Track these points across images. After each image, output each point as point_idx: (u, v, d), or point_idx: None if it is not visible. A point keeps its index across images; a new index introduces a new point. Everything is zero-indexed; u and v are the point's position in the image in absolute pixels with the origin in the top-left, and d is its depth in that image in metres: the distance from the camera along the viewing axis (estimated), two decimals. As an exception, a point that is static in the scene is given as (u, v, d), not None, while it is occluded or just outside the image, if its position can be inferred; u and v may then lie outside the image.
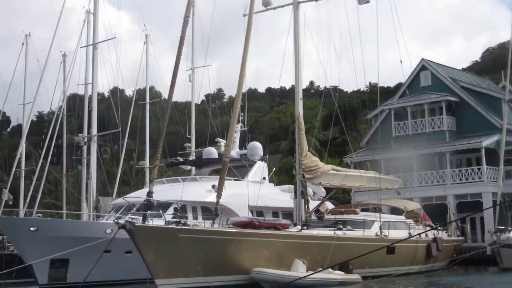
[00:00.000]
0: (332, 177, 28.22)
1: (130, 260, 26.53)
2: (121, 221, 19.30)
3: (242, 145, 35.62)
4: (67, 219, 30.42)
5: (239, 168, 32.94)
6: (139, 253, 19.73)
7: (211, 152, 34.57)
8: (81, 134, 39.54)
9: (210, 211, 28.94)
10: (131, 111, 41.50)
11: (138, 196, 24.80)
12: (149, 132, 44.17)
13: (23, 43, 45.19)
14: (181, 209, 27.67)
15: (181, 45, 21.67)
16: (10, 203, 48.70)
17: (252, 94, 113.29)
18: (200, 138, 50.09)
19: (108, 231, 25.89)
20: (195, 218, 29.05)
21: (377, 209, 33.80)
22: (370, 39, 31.64)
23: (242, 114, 35.21)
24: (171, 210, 27.18)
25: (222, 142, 34.03)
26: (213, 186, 29.79)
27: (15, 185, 51.32)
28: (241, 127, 35.30)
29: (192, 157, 39.91)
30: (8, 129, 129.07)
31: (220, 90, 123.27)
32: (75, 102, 47.95)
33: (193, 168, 39.40)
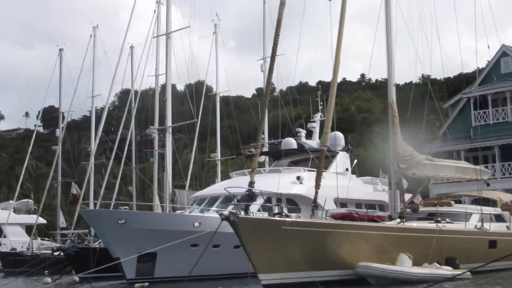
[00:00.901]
0: (426, 167, 26.85)
1: (217, 254, 25.79)
2: (225, 213, 18.40)
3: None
4: (156, 212, 29.78)
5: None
6: (243, 246, 18.85)
7: (290, 142, 33.57)
8: (152, 126, 39.02)
9: (294, 203, 28.22)
10: (201, 103, 40.42)
11: (236, 186, 23.55)
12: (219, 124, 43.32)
13: (91, 35, 45.11)
14: (266, 201, 26.78)
15: (278, 29, 20.63)
16: (78, 196, 48.76)
17: (303, 87, 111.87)
18: (254, 133, 48.91)
19: (196, 224, 25.23)
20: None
21: (462, 201, 32.51)
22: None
23: (321, 103, 34.17)
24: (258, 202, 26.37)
25: (303, 132, 32.96)
26: (298, 178, 29.03)
27: (83, 178, 51.43)
28: (320, 117, 34.16)
29: (265, 149, 39.05)
30: (63, 125, 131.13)
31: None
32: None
33: (267, 159, 38.65)
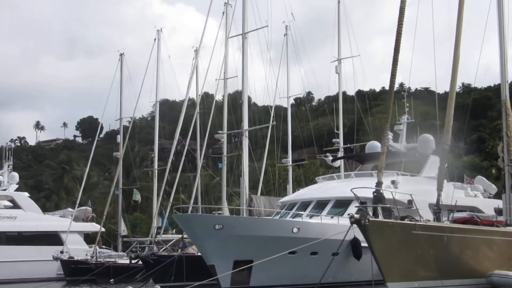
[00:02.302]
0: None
1: (315, 261, 24.27)
2: (356, 216, 16.90)
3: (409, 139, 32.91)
4: (254, 217, 28.39)
5: (410, 163, 30.44)
6: (372, 251, 17.31)
7: (375, 146, 32.01)
8: (221, 131, 37.83)
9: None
10: (273, 109, 38.64)
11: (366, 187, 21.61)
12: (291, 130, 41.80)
13: (155, 39, 44.10)
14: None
15: (401, 18, 19.09)
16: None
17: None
18: (297, 141, 47.63)
19: (295, 230, 23.80)
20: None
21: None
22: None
23: (407, 105, 32.56)
24: (352, 208, 24.92)
25: (390, 134, 31.30)
26: (393, 182, 27.40)
27: (147, 185, 50.46)
28: (407, 119, 32.47)
29: (340, 153, 37.60)
30: (102, 135, 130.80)
31: (309, 93, 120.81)
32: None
33: (342, 164, 37.26)
